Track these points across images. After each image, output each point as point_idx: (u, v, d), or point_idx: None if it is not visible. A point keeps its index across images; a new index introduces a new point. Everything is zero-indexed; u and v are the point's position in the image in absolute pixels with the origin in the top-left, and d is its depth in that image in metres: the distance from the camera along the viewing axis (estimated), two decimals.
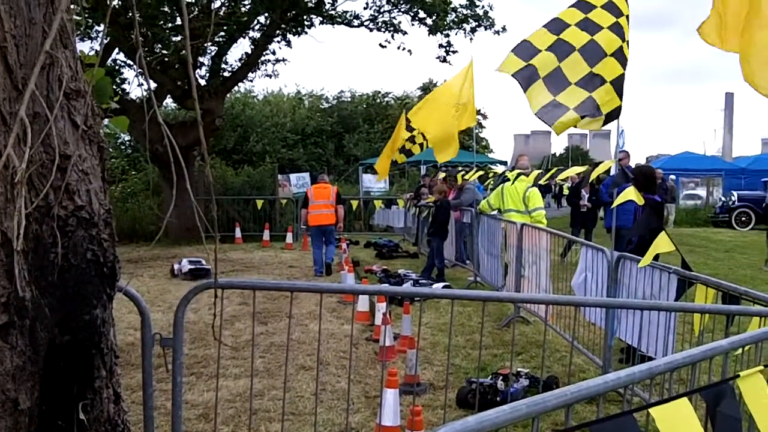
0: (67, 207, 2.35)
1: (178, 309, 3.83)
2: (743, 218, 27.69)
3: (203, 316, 9.66)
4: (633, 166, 11.70)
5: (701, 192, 33.05)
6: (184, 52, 18.06)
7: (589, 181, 17.27)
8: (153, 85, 20.24)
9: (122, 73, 20.38)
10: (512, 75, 7.00)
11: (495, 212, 12.17)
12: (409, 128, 16.06)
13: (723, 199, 29.22)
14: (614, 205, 6.97)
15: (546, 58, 6.89)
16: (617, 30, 6.86)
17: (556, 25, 7.06)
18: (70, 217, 2.37)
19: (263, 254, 17.69)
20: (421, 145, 16.18)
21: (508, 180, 11.81)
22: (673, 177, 28.86)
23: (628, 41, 6.88)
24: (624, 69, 6.68)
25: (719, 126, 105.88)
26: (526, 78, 6.92)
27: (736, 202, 28.14)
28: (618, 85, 6.63)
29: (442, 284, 11.90)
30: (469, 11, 19.45)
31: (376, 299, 8.86)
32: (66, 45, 2.41)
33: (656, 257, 7.18)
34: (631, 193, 6.84)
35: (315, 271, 14.33)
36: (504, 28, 19.88)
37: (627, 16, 7.00)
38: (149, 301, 9.49)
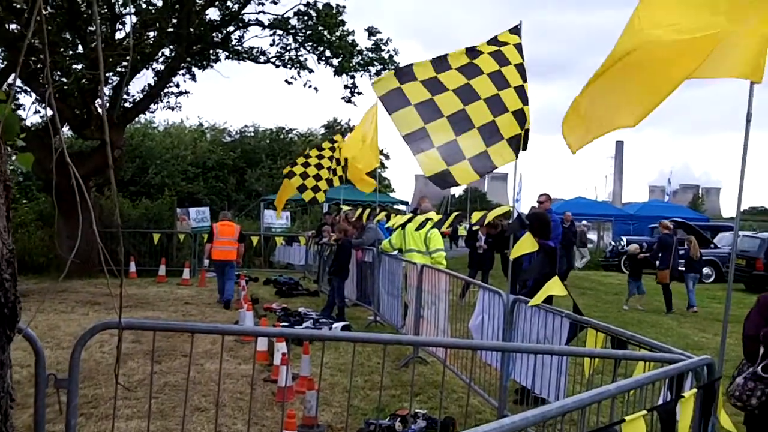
0: None
1: (75, 349, 3.75)
2: (628, 263, 28.84)
3: (93, 353, 9.38)
4: (527, 212, 12.09)
5: (592, 236, 34.32)
6: (84, 80, 17.71)
7: (485, 223, 17.78)
8: (50, 112, 19.68)
9: (17, 99, 19.70)
10: (380, 96, 7.14)
11: (396, 252, 12.35)
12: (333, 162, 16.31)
13: (613, 243, 30.44)
14: (511, 257, 7.18)
15: (419, 88, 7.05)
16: (497, 78, 7.12)
17: (441, 64, 7.28)
18: None
19: (158, 290, 17.28)
20: (340, 177, 16.34)
21: (411, 221, 12.01)
22: (585, 222, 30.03)
23: (518, 86, 7.13)
24: (494, 116, 6.93)
25: (610, 172, 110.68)
26: (393, 100, 7.05)
27: (625, 247, 29.35)
28: (486, 131, 6.87)
29: (342, 324, 11.93)
30: (374, 55, 19.79)
31: (275, 339, 8.80)
32: None
33: (550, 300, 7.46)
34: (526, 245, 7.09)
35: (222, 300, 14.99)
36: None
37: (517, 65, 7.27)
38: (38, 337, 9.14)
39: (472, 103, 6.88)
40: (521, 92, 7.07)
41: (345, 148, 15.39)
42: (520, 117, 6.94)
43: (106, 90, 20.38)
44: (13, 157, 2.91)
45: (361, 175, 14.55)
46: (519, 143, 6.89)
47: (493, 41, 7.50)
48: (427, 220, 11.71)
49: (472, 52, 7.33)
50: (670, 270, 16.42)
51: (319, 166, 16.85)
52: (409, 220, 12.36)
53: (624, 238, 30.08)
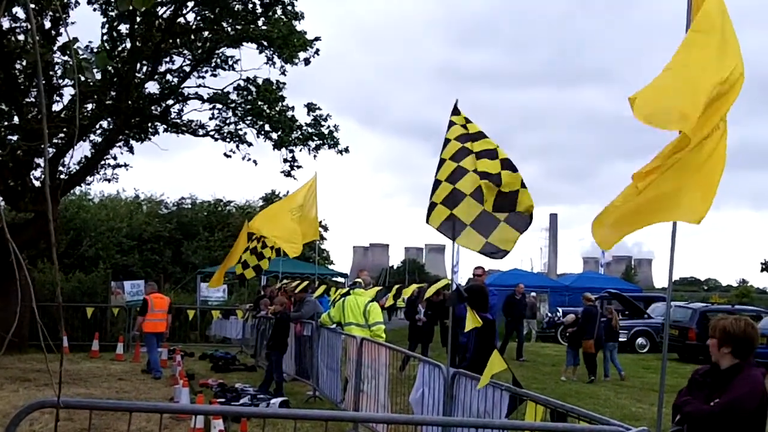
0: None
1: (9, 429, 3.64)
2: (567, 333, 29.22)
3: (24, 431, 9.03)
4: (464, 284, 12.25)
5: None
6: (19, 152, 17.46)
7: (425, 296, 17.90)
8: None
9: None
10: (437, 228, 7.29)
11: (335, 326, 12.30)
12: (255, 241, 16.14)
13: (549, 314, 30.79)
14: (466, 329, 7.27)
15: (468, 203, 7.23)
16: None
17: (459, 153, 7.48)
18: None
19: (91, 365, 16.77)
20: (269, 259, 16.28)
21: (349, 294, 12.03)
22: (534, 294, 30.43)
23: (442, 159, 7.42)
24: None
25: (544, 244, 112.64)
26: (449, 227, 7.20)
27: (561, 318, 29.75)
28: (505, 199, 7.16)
29: (280, 399, 11.74)
30: (314, 130, 20.00)
31: (212, 416, 8.62)
32: None
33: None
34: (472, 320, 7.20)
35: (155, 373, 15.05)
36: (347, 149, 20.51)
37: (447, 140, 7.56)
38: None
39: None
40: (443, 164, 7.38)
41: (262, 226, 15.16)
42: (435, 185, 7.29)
43: (41, 161, 20.09)
44: None
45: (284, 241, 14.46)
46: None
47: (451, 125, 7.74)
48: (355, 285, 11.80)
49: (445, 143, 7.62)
50: (594, 340, 16.75)
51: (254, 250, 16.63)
52: (347, 293, 12.40)
53: (560, 309, 30.49)
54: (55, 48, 16.92)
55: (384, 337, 11.29)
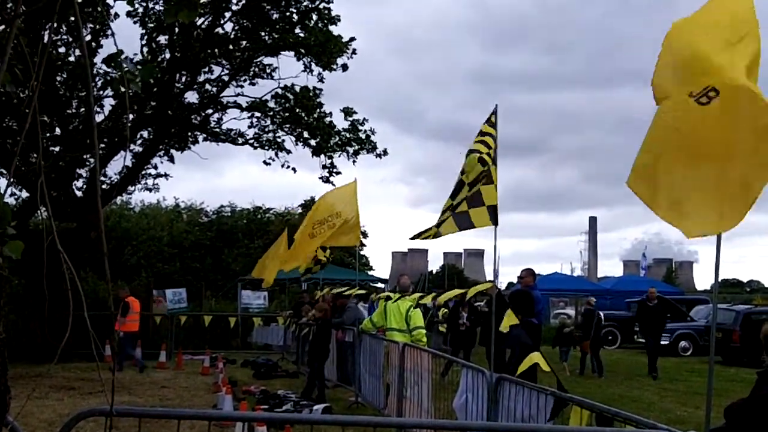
0: None
1: None
2: (609, 337, 28.95)
3: None
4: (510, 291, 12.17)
5: (570, 311, 34.37)
6: (61, 162, 17.76)
7: (467, 297, 17.84)
8: (25, 194, 19.64)
9: None
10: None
11: (376, 332, 12.28)
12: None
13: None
14: (501, 328, 7.23)
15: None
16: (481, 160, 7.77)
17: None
18: None
19: (134, 373, 16.95)
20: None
21: (391, 299, 11.99)
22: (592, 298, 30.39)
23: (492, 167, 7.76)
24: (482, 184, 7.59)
25: (584, 248, 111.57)
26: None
27: (602, 322, 29.41)
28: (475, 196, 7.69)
29: (323, 406, 11.76)
30: (351, 135, 20.08)
31: (255, 423, 8.66)
32: None
33: (534, 379, 7.46)
34: (510, 318, 7.15)
35: (140, 367, 17.00)
36: (386, 152, 20.59)
37: (495, 149, 7.91)
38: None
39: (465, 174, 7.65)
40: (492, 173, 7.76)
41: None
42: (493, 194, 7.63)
43: (83, 172, 20.45)
44: None
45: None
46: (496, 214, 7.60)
47: (479, 134, 8.18)
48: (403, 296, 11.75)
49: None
50: (590, 340, 18.11)
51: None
52: (388, 298, 12.39)
53: (601, 313, 30.14)
54: (96, 60, 17.21)
55: (425, 341, 11.26)
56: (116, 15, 18.21)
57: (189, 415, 4.16)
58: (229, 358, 19.54)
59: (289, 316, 19.97)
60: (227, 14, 18.40)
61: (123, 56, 3.07)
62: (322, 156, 20.34)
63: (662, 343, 17.43)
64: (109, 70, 16.18)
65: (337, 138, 20.00)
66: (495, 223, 7.85)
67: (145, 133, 20.32)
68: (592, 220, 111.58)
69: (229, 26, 19.06)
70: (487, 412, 7.25)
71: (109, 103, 18.81)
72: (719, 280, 4.84)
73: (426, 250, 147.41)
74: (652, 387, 16.14)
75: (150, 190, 22.85)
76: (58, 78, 17.96)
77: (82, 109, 19.03)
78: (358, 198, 13.98)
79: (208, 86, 20.17)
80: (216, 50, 19.28)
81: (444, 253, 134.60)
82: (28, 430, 9.93)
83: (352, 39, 19.51)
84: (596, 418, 5.65)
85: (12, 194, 19.19)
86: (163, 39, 18.65)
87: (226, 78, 19.97)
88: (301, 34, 18.77)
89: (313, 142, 20.13)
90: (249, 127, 21.04)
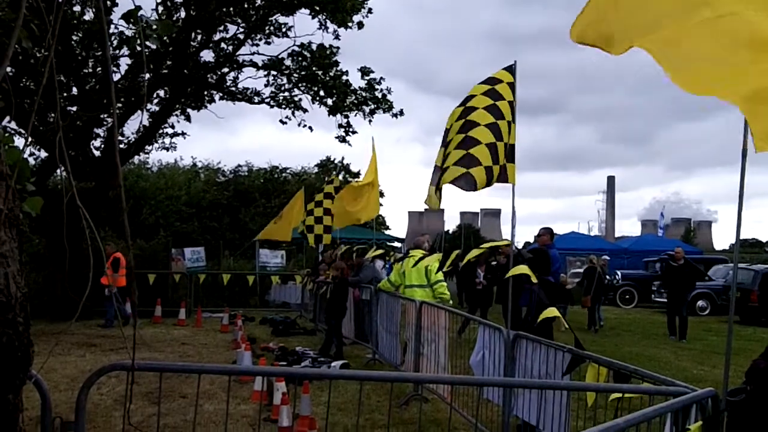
0: None
1: (82, 391, 3.74)
2: (627, 296, 28.99)
3: (91, 396, 9.28)
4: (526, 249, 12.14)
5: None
6: (79, 122, 17.79)
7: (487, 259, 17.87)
8: (44, 154, 19.73)
9: (13, 141, 19.76)
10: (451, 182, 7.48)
11: (395, 290, 12.29)
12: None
13: (608, 278, 30.46)
14: (508, 275, 7.24)
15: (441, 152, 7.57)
16: (492, 109, 7.54)
17: (446, 133, 7.80)
18: None
19: (155, 331, 17.18)
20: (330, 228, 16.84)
21: (410, 257, 11.96)
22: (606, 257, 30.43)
23: (509, 121, 7.43)
24: (495, 140, 7.23)
25: (602, 207, 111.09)
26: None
27: (620, 281, 29.45)
28: (492, 149, 7.24)
29: (340, 362, 11.87)
30: (368, 94, 19.97)
31: (274, 378, 8.75)
32: None
33: (551, 336, 7.48)
34: (521, 269, 7.15)
35: (125, 319, 16.57)
36: (402, 112, 20.48)
37: (510, 102, 7.58)
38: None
39: (474, 129, 7.36)
40: (511, 127, 7.40)
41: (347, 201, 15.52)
42: (511, 150, 7.28)
43: (101, 132, 20.50)
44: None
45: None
46: (513, 172, 7.31)
47: (487, 80, 7.76)
48: (423, 257, 11.71)
49: (467, 99, 7.70)
50: (591, 296, 18.82)
51: (326, 211, 17.33)
52: (405, 257, 12.39)
53: (618, 273, 30.17)
54: (111, 18, 17.13)
55: (448, 294, 11.32)
56: None
57: (210, 369, 4.21)
58: (247, 316, 19.75)
59: (307, 275, 20.10)
60: None
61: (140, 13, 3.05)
62: (339, 115, 20.28)
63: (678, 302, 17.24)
64: (125, 28, 16.11)
65: (354, 97, 19.90)
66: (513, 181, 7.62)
67: (161, 93, 20.32)
68: (610, 180, 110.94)
69: None
70: (504, 369, 7.29)
71: (125, 62, 18.80)
72: (738, 240, 4.78)
73: (442, 210, 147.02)
74: (668, 346, 16.16)
75: (167, 149, 22.95)
76: (74, 37, 17.93)
77: (99, 69, 19.03)
78: (377, 161, 13.89)
79: (223, 45, 20.10)
80: (231, 8, 19.15)
81: (460, 212, 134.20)
82: (51, 385, 10.08)
83: None
84: (613, 375, 5.66)
85: (31, 154, 19.29)
86: None
87: (241, 36, 19.87)
88: None
89: (329, 101, 20.05)
90: (265, 85, 21.06)
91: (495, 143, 7.22)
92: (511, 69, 7.85)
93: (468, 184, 7.18)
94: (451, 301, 12.08)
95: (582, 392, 6.25)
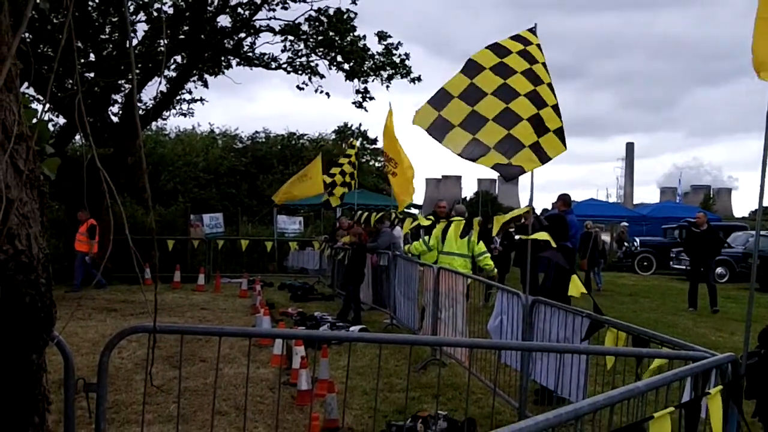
0: (7, 251, 2.34)
1: (103, 353, 3.78)
2: (645, 263, 28.92)
3: (112, 359, 9.39)
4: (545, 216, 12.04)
5: (605, 237, 34.26)
6: (96, 88, 17.81)
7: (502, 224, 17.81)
8: (62, 120, 19.80)
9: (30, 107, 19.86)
10: (426, 129, 7.11)
11: (417, 256, 12.06)
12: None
13: (626, 244, 30.37)
14: (526, 237, 7.21)
15: (458, 106, 7.04)
16: (530, 75, 7.13)
17: (471, 69, 7.23)
18: (10, 261, 2.35)
19: (174, 296, 17.31)
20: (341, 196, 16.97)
21: (451, 223, 11.70)
22: (625, 224, 30.65)
23: (549, 83, 7.16)
24: (538, 109, 6.91)
25: (621, 174, 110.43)
26: (438, 129, 7.04)
27: (638, 248, 29.36)
28: (535, 122, 6.86)
29: (359, 327, 11.94)
30: (385, 59, 19.81)
31: (293, 342, 8.82)
32: (10, 89, 2.41)
33: (568, 301, 7.47)
34: (543, 234, 7.12)
35: (101, 286, 17.26)
36: (419, 78, 20.31)
37: (543, 63, 7.32)
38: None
39: (514, 100, 6.87)
40: (552, 89, 7.12)
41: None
42: (557, 111, 6.98)
43: (118, 98, 20.52)
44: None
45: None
46: (563, 136, 6.92)
47: (518, 39, 7.50)
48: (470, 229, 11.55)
49: (498, 49, 7.31)
50: (587, 259, 19.74)
51: (342, 173, 17.35)
52: (436, 223, 12.29)
53: (637, 239, 30.07)
54: None
55: (492, 265, 11.30)
56: None
57: (230, 332, 4.25)
58: (266, 281, 19.87)
59: (325, 241, 20.16)
60: None
61: None
62: (356, 81, 20.15)
63: (700, 270, 16.87)
64: None
65: (371, 62, 19.76)
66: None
67: (178, 58, 20.26)
68: (629, 146, 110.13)
69: None
70: (522, 334, 7.30)
71: (141, 28, 18.74)
72: (761, 206, 4.72)
73: (459, 177, 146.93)
74: (686, 313, 16.12)
75: (185, 115, 22.99)
76: (91, 3, 17.88)
77: (116, 35, 18.99)
78: (394, 127, 13.67)
79: (240, 10, 19.95)
80: None
81: (478, 179, 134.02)
82: (73, 348, 10.19)
83: None
84: (632, 340, 5.66)
85: (49, 120, 19.34)
86: None
87: (258, 1, 19.71)
88: None
89: (346, 66, 19.92)
90: (282, 51, 20.91)
91: (538, 113, 6.82)
92: (533, 31, 7.70)
93: (510, 174, 6.85)
94: (495, 270, 12.12)
95: (600, 357, 6.27)
